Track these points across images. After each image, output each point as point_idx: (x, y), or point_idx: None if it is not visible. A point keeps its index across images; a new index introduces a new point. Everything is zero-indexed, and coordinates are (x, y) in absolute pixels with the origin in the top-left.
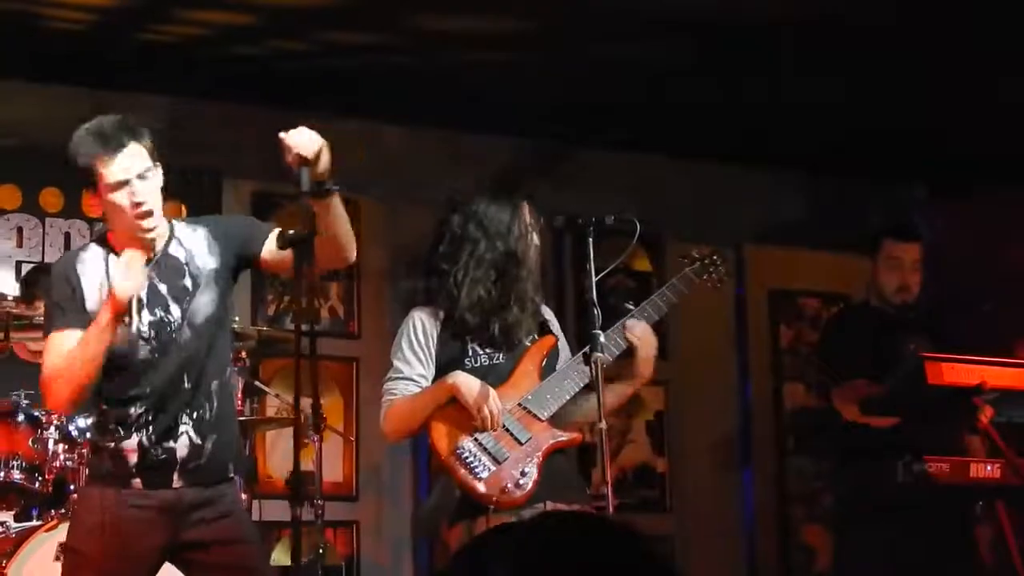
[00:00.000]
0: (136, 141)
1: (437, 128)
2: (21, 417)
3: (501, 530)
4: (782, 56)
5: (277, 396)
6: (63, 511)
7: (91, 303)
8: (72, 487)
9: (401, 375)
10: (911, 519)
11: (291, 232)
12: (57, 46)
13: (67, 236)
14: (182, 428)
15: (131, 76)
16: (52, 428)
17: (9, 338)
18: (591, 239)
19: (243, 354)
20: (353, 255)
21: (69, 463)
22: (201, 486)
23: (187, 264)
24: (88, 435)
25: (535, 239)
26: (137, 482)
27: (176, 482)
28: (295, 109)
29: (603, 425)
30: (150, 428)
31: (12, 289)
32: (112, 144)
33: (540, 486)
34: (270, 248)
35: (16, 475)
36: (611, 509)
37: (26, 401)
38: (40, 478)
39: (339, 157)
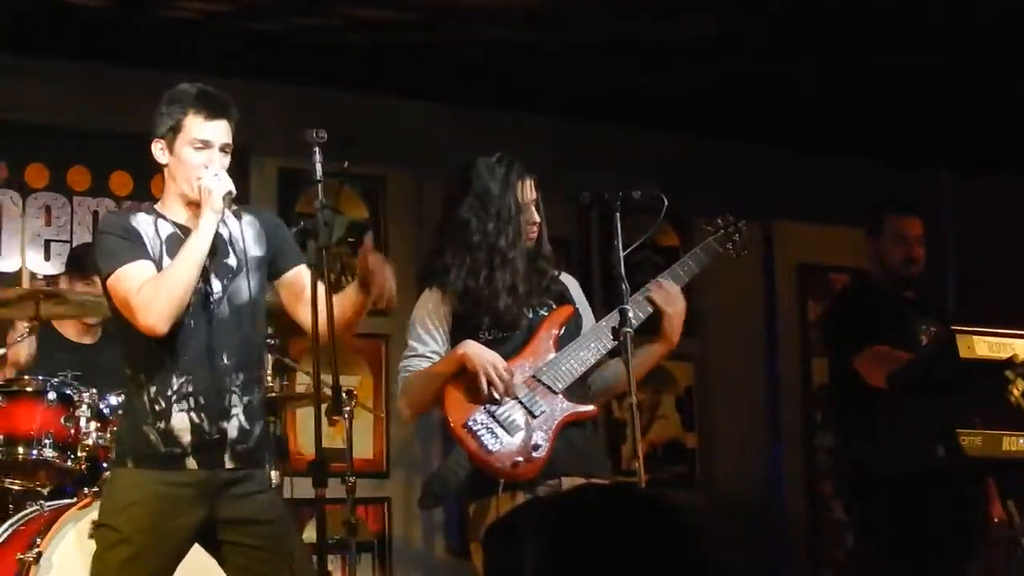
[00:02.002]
0: (230, 121)
1: (465, 104)
2: (53, 396)
3: (535, 503)
4: (810, 35)
5: (308, 374)
6: (96, 489)
7: (149, 251)
8: (105, 465)
9: (415, 352)
10: (942, 493)
11: (303, 223)
12: (82, 24)
13: (95, 215)
14: (234, 411)
15: (155, 54)
16: (84, 406)
17: (40, 315)
18: (618, 214)
19: (272, 331)
20: (352, 333)
21: (101, 441)
22: (245, 468)
23: (231, 244)
24: (126, 417)
25: (535, 215)
26: (191, 462)
27: (228, 463)
28: (321, 85)
29: (634, 400)
30: (191, 401)
31: (42, 267)
32: (213, 109)
33: (556, 460)
34: (291, 276)
35: (49, 453)
36: (642, 484)
37: (56, 380)
38: (72, 456)
39: (367, 132)
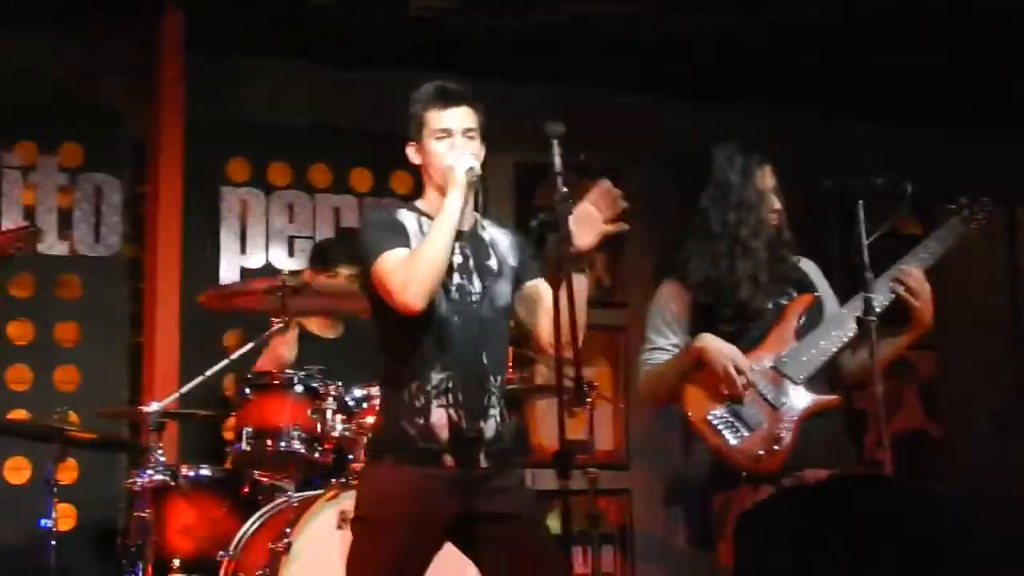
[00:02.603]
0: (470, 107)
1: (700, 96)
2: (300, 388)
3: (786, 494)
4: None
5: (548, 366)
6: (343, 480)
7: (411, 243)
8: (351, 456)
9: (654, 345)
10: None
11: (543, 216)
12: (319, 25)
13: (336, 211)
14: (491, 411)
15: (395, 54)
16: (330, 399)
17: (285, 308)
18: (860, 202)
19: (512, 324)
20: (580, 339)
21: (347, 433)
22: (500, 467)
23: (492, 248)
24: (383, 412)
25: (775, 203)
26: (448, 459)
27: (483, 462)
28: (554, 82)
29: (879, 389)
30: (450, 397)
31: (286, 264)
32: (448, 99)
33: (799, 451)
34: (531, 286)
35: (296, 445)
36: (888, 474)
37: (302, 373)
38: (319, 448)
39: (603, 125)
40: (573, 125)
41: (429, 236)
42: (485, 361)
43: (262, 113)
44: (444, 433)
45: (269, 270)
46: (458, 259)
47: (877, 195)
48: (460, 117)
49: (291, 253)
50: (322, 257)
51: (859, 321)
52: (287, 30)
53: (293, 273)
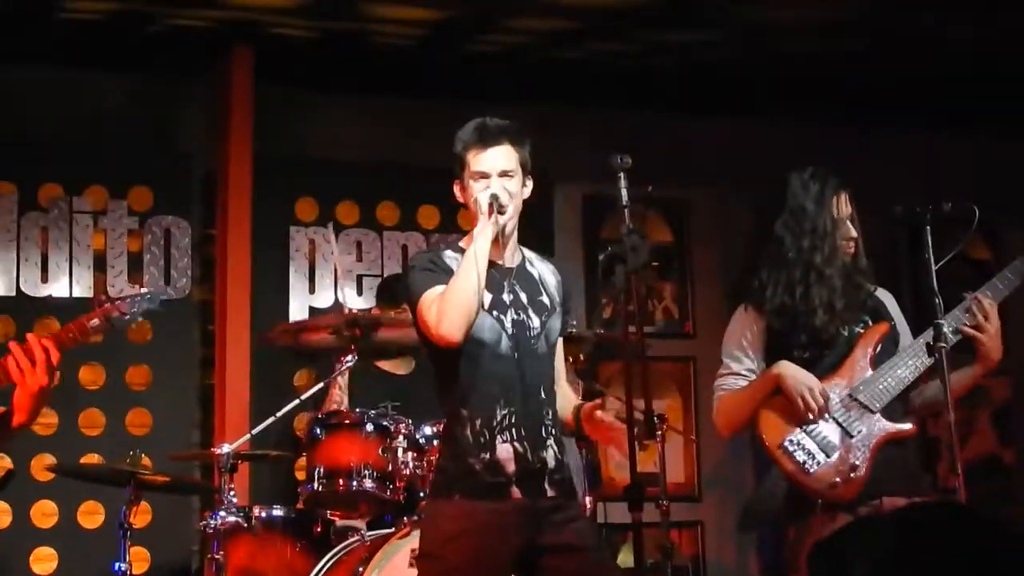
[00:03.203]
0: (511, 145)
1: (768, 121)
2: (370, 427)
3: (862, 523)
4: None
5: (619, 400)
6: (415, 518)
7: None
8: (422, 494)
9: (730, 371)
10: None
11: (611, 248)
12: (386, 61)
13: (404, 248)
14: (548, 443)
15: (459, 87)
16: (401, 437)
17: (357, 343)
18: (929, 227)
19: (580, 357)
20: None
21: (418, 471)
22: (563, 496)
23: (542, 285)
24: (448, 448)
25: (852, 230)
26: (515, 491)
27: (548, 491)
28: (622, 109)
29: (952, 417)
30: (513, 432)
31: (355, 302)
32: (487, 138)
33: (874, 480)
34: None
35: (368, 484)
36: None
37: (375, 411)
38: (391, 486)
39: (669, 155)
40: (642, 153)
41: (459, 269)
42: (543, 395)
43: (329, 152)
44: (511, 466)
45: (338, 309)
46: (508, 296)
47: (946, 220)
48: (498, 158)
49: (359, 291)
50: (390, 292)
51: (929, 348)
52: (353, 68)
53: (361, 312)
